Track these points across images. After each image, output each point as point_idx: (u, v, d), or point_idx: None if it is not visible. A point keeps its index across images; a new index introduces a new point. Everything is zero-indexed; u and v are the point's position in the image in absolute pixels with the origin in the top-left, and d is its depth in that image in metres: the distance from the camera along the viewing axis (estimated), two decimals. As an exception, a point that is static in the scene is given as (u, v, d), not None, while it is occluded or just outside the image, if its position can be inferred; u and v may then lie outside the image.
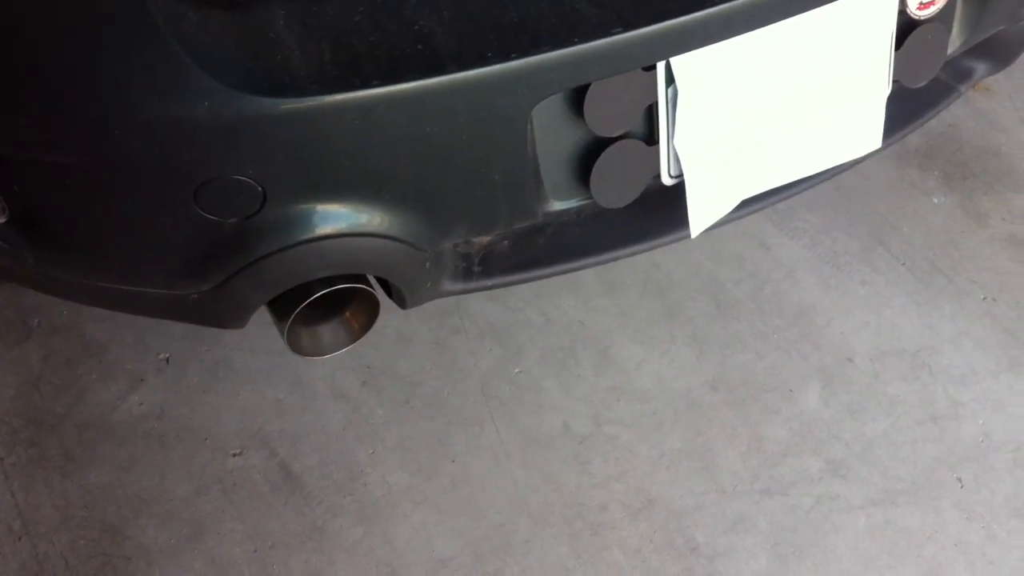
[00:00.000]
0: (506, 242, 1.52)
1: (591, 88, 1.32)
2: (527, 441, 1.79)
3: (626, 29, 1.27)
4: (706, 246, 2.03)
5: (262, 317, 1.77)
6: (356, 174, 1.30)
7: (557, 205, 1.45)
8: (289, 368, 1.88)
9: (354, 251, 1.36)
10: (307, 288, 1.40)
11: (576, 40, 1.25)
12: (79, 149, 1.24)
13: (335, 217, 1.33)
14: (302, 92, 1.21)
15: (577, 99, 1.34)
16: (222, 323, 1.47)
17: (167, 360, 1.90)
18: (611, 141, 1.39)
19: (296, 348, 1.47)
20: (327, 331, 1.50)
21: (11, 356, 1.90)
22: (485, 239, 1.50)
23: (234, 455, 1.78)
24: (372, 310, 1.48)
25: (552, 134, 1.38)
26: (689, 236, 1.50)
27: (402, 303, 1.50)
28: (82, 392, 1.86)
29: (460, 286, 1.52)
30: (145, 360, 1.90)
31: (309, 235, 1.32)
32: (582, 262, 1.57)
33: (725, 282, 1.99)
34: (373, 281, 1.47)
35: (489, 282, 1.53)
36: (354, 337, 1.50)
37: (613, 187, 1.44)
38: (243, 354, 1.90)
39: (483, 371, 1.87)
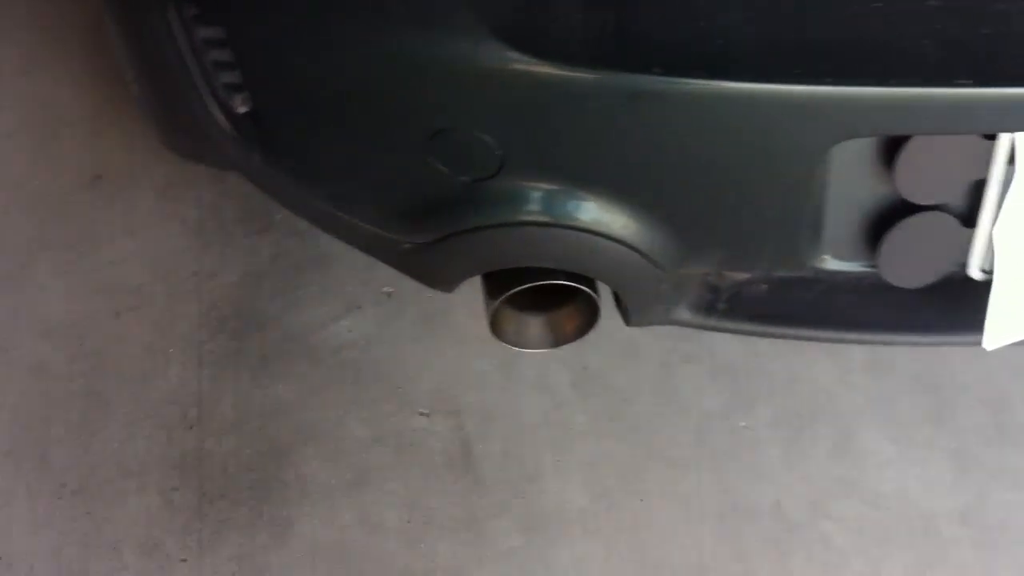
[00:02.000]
0: (765, 286, 1.31)
1: (910, 141, 1.09)
2: (729, 506, 1.57)
3: (976, 84, 1.02)
4: (1006, 354, 1.71)
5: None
6: (610, 165, 1.15)
7: (832, 264, 1.23)
8: (503, 344, 1.74)
9: (585, 249, 1.21)
10: (527, 273, 1.26)
11: (908, 81, 1.03)
12: (338, 68, 1.16)
13: (574, 207, 1.18)
14: (573, 62, 1.06)
15: (890, 150, 1.11)
16: (429, 281, 1.37)
17: (389, 295, 1.81)
18: (917, 209, 1.16)
19: (497, 331, 1.34)
20: (536, 324, 1.35)
21: (246, 244, 1.87)
22: (741, 276, 1.30)
23: (421, 414, 1.67)
24: (590, 317, 1.32)
25: (848, 182, 1.15)
26: (981, 345, 1.24)
27: (626, 319, 1.33)
28: (298, 301, 1.80)
29: (698, 320, 1.33)
30: (368, 288, 1.81)
31: (539, 218, 1.18)
32: (846, 336, 1.34)
33: (1017, 402, 1.67)
34: (602, 287, 1.31)
35: (732, 325, 1.33)
36: (562, 340, 1.34)
37: (906, 263, 1.20)
38: (464, 314, 1.78)
39: (704, 412, 1.67)
